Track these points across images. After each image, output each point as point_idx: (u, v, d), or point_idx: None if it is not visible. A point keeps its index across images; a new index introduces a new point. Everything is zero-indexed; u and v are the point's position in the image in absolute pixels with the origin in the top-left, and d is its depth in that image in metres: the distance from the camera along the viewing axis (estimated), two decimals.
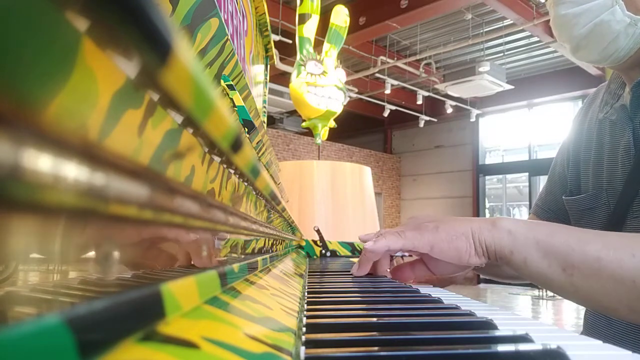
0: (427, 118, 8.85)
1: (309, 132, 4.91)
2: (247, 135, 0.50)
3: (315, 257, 1.45)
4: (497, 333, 0.30)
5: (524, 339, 0.28)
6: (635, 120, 0.70)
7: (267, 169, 0.62)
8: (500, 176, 9.74)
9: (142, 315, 0.14)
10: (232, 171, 0.32)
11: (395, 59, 7.14)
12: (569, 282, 0.52)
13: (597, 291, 0.51)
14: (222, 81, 0.55)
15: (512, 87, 7.28)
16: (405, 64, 7.08)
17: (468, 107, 8.61)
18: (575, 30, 0.68)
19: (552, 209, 0.88)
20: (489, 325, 0.33)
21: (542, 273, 0.54)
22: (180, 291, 0.18)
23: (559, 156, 0.88)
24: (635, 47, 0.66)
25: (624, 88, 0.75)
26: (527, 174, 8.97)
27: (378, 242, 0.61)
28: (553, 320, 5.07)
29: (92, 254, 0.13)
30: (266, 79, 1.45)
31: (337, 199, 2.45)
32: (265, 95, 1.43)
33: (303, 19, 2.89)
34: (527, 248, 0.54)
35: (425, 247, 0.58)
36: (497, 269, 0.79)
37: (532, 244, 0.54)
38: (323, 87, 2.94)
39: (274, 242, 0.70)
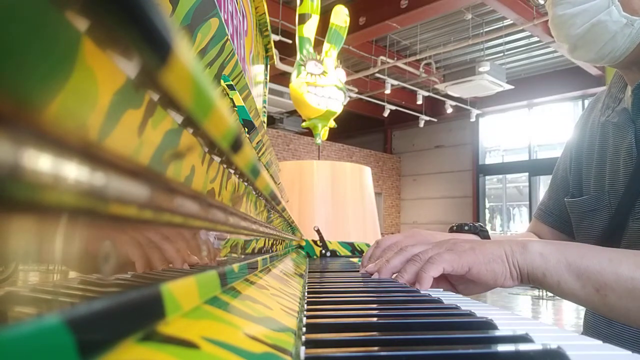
0: (427, 118, 8.86)
1: (309, 132, 4.92)
2: (247, 135, 0.50)
3: (315, 257, 1.45)
4: (497, 333, 0.30)
5: (524, 339, 0.28)
6: (637, 122, 0.70)
7: (267, 169, 0.62)
8: (500, 176, 9.74)
9: (142, 315, 0.14)
10: (232, 171, 0.32)
11: (395, 59, 7.14)
12: (603, 302, 0.53)
13: (632, 309, 0.52)
14: (222, 81, 0.55)
15: (512, 87, 7.28)
16: (405, 64, 7.09)
17: (468, 107, 8.61)
18: (573, 30, 0.69)
19: (555, 213, 0.88)
20: (489, 325, 0.33)
21: (576, 294, 0.55)
22: (180, 291, 0.18)
23: (562, 160, 0.89)
24: (632, 46, 0.67)
25: (625, 92, 0.75)
26: (527, 174, 8.98)
27: (424, 283, 0.58)
28: (553, 320, 5.07)
29: (92, 254, 0.13)
30: (266, 79, 1.45)
31: (337, 199, 2.45)
32: (265, 95, 1.44)
33: (303, 19, 2.89)
34: (559, 270, 0.55)
35: (463, 268, 0.58)
36: None
37: (563, 266, 0.55)
38: (323, 87, 2.94)
39: (274, 242, 0.70)
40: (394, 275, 0.66)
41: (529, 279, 0.57)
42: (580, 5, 0.67)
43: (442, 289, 0.65)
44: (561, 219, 0.87)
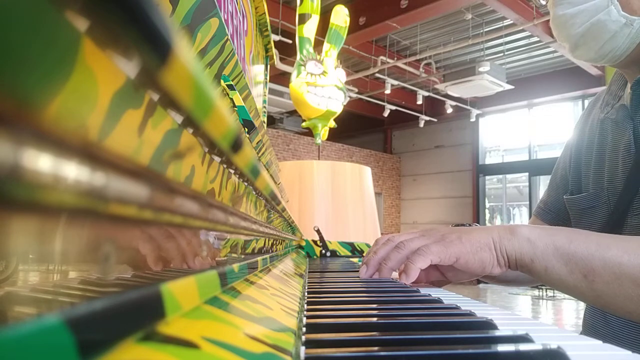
0: (427, 118, 8.85)
1: (309, 132, 4.92)
2: (247, 135, 0.49)
3: (315, 257, 1.45)
4: (497, 333, 0.30)
5: (524, 339, 0.28)
6: (635, 119, 0.70)
7: (267, 169, 0.62)
8: (500, 176, 9.74)
9: (142, 315, 0.14)
10: (232, 171, 0.32)
11: (395, 59, 7.14)
12: (591, 288, 0.53)
13: (619, 296, 0.51)
14: (222, 81, 0.55)
15: (512, 87, 7.28)
16: (405, 64, 7.08)
17: (468, 107, 8.61)
18: (573, 30, 0.69)
19: (553, 210, 0.88)
20: (489, 325, 0.33)
21: (563, 280, 0.54)
22: (180, 291, 0.18)
23: (562, 158, 0.89)
24: (632, 46, 0.67)
25: (624, 89, 0.75)
26: (527, 174, 8.97)
27: (410, 274, 0.59)
28: (553, 320, 5.07)
29: (92, 253, 0.13)
30: (266, 79, 1.45)
31: (337, 199, 2.45)
32: (265, 95, 1.43)
33: (303, 19, 2.89)
34: (547, 256, 0.55)
35: (451, 259, 0.58)
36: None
37: (551, 251, 0.55)
38: (323, 87, 2.94)
39: (274, 242, 0.70)
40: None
41: (517, 265, 0.57)
42: (579, 5, 0.68)
43: (440, 287, 0.66)
44: (559, 217, 0.87)
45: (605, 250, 0.52)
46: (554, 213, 0.88)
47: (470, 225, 0.87)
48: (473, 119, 8.93)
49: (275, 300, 0.34)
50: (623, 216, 0.69)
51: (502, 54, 7.28)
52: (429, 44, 7.15)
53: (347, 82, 6.25)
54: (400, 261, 0.62)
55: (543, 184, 8.61)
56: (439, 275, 0.66)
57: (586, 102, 5.68)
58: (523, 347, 0.26)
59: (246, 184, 0.39)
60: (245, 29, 0.84)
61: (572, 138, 0.88)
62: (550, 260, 0.54)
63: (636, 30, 0.65)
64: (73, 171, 0.10)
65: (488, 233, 0.58)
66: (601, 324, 0.75)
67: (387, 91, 7.34)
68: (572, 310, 5.62)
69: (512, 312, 0.43)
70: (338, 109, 3.02)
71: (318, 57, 2.97)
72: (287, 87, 3.29)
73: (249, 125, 0.56)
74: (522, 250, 0.56)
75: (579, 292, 0.54)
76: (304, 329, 0.29)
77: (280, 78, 7.04)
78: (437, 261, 0.58)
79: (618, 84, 0.78)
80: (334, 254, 1.45)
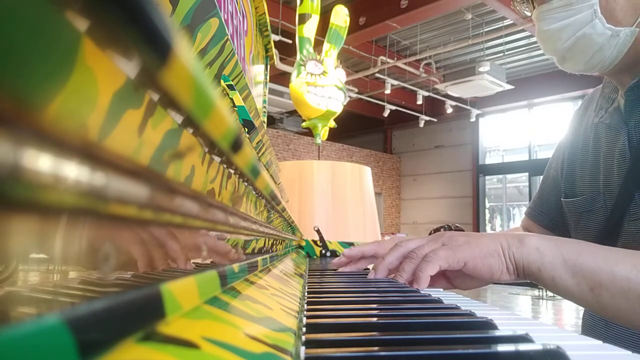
0: (427, 118, 8.86)
1: (309, 132, 4.91)
2: (247, 135, 0.49)
3: (315, 257, 1.45)
4: (497, 333, 0.30)
5: (524, 339, 0.28)
6: (629, 123, 0.70)
7: (267, 169, 0.62)
8: (500, 176, 9.75)
9: (142, 315, 0.14)
10: (232, 171, 0.32)
11: (395, 59, 7.14)
12: (597, 300, 0.53)
13: (626, 310, 0.52)
14: (222, 81, 0.55)
15: (512, 87, 7.28)
16: (405, 64, 7.09)
17: (468, 107, 8.61)
18: (559, 44, 0.70)
19: (544, 212, 0.88)
20: (489, 325, 0.33)
21: (570, 291, 0.55)
22: (180, 291, 0.18)
23: (554, 159, 0.89)
24: (620, 55, 0.67)
25: (618, 92, 0.75)
26: (527, 174, 8.98)
27: (421, 282, 0.58)
28: (553, 320, 5.07)
29: (92, 253, 0.13)
30: (266, 79, 1.45)
31: (337, 199, 2.45)
32: (265, 95, 1.43)
33: (303, 19, 2.89)
34: (554, 266, 0.55)
35: (459, 263, 0.58)
36: None
37: (559, 263, 0.55)
38: (323, 87, 2.94)
39: (274, 242, 0.70)
40: (392, 275, 0.66)
41: (524, 274, 0.57)
42: (563, 20, 0.68)
43: (441, 289, 0.65)
44: (550, 218, 0.87)
45: (614, 265, 0.52)
46: (545, 214, 0.88)
47: (449, 225, 0.87)
48: (473, 119, 8.93)
49: (275, 300, 0.34)
50: (620, 220, 0.69)
51: (502, 54, 7.29)
52: (429, 44, 7.15)
53: (347, 82, 6.25)
54: (414, 271, 0.62)
55: None
56: (446, 283, 0.66)
57: None
58: (523, 347, 0.26)
59: (246, 184, 0.39)
60: (245, 29, 0.84)
61: (564, 139, 0.87)
62: (557, 270, 0.55)
63: (622, 40, 0.66)
64: (73, 171, 0.10)
65: (496, 240, 0.58)
66: (601, 325, 0.75)
67: (387, 91, 7.34)
68: (572, 310, 5.62)
69: (512, 312, 0.43)
70: (338, 109, 3.02)
71: (318, 57, 2.97)
72: (287, 87, 3.29)
73: (249, 125, 0.56)
74: (530, 258, 0.56)
75: (585, 303, 0.55)
76: (304, 329, 0.29)
77: (280, 78, 7.04)
78: (445, 266, 0.58)
79: (611, 86, 0.78)
80: (334, 254, 1.45)
